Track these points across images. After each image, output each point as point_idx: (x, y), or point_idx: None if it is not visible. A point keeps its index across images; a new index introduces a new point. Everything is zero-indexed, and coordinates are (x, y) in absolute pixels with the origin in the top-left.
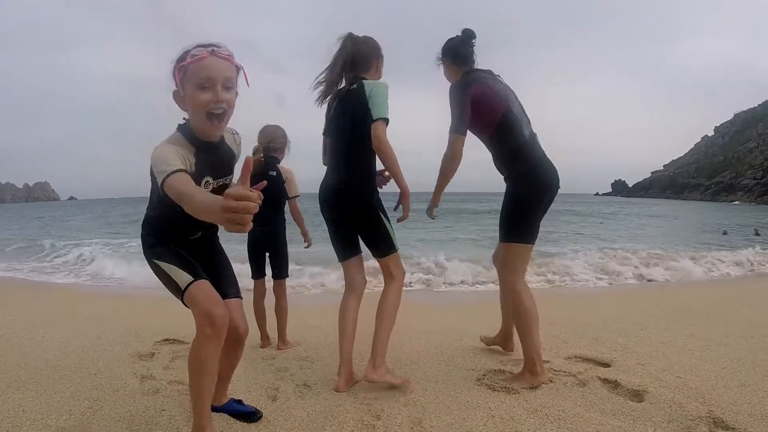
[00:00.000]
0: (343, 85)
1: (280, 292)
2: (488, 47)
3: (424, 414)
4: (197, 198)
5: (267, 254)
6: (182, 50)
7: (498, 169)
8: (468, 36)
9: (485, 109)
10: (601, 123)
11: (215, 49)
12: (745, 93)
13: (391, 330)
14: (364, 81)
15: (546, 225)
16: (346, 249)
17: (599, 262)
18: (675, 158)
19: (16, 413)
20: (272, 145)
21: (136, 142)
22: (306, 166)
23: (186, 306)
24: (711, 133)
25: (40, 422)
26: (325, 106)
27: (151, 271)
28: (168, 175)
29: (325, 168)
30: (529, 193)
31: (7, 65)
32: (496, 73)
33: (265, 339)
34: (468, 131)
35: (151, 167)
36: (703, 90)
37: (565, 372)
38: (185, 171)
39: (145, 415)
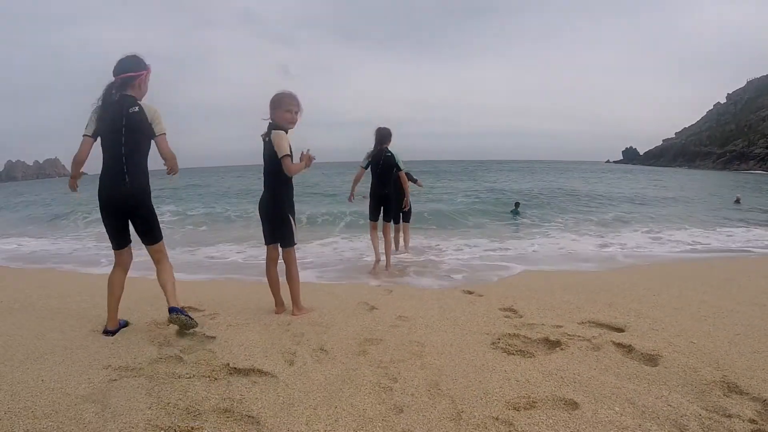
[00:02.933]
0: (375, 150)
1: (288, 261)
2: (498, 14)
3: (441, 377)
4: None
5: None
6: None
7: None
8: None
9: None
10: (613, 90)
11: None
12: (759, 60)
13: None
14: (392, 152)
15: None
16: (377, 216)
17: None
18: (687, 126)
19: (35, 383)
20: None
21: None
22: (307, 134)
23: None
24: (723, 100)
25: (60, 391)
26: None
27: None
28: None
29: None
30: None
31: (10, 45)
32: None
33: (279, 305)
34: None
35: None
36: (717, 57)
37: (579, 336)
38: None
39: (164, 382)
